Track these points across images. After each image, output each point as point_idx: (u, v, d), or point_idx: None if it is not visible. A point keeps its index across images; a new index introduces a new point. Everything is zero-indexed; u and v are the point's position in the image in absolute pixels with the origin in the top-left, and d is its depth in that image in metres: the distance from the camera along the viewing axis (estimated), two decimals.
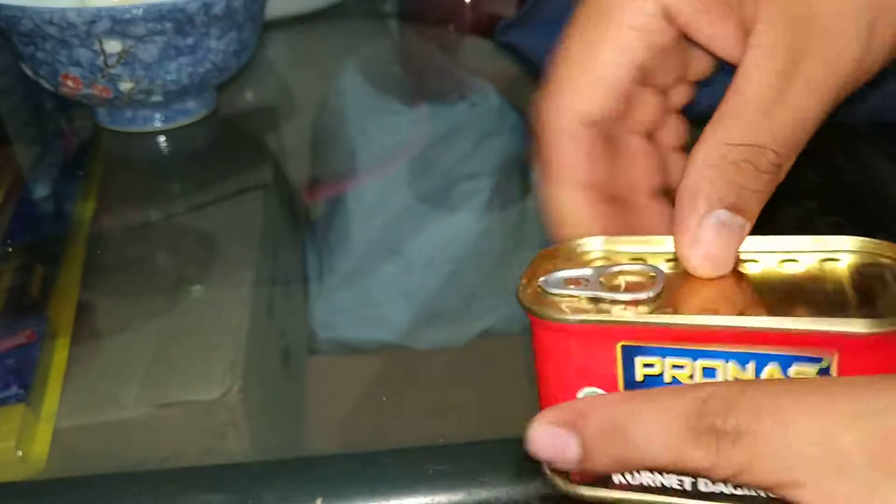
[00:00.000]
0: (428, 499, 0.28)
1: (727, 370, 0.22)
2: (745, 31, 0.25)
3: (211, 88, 0.56)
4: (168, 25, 0.47)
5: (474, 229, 0.46)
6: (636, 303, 0.23)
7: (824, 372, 0.21)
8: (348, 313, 0.38)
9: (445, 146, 0.55)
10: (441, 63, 0.72)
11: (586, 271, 0.25)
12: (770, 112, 0.24)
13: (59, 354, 0.35)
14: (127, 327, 0.36)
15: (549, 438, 0.23)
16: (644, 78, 0.27)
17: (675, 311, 0.23)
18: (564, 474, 0.25)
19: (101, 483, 0.28)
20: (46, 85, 0.52)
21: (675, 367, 0.23)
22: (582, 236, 0.27)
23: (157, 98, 0.52)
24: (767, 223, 0.49)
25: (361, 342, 0.36)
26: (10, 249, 0.43)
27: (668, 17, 0.25)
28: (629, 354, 0.23)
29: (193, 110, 0.56)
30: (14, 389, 0.32)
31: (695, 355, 0.22)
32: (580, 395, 0.24)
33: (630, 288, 0.24)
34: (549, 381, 0.25)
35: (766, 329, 0.21)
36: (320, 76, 0.67)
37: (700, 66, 0.29)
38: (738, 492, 0.23)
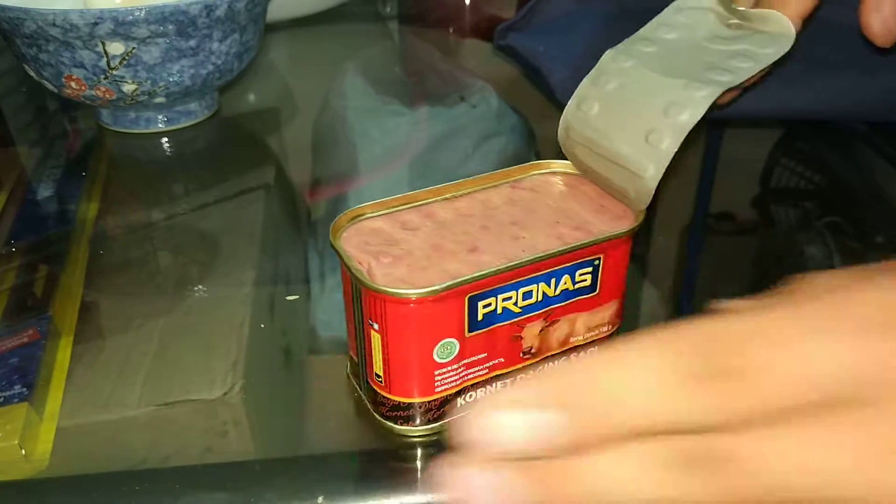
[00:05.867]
0: (428, 498, 0.28)
1: (539, 290, 0.29)
2: None
3: (213, 90, 0.56)
4: (170, 27, 0.48)
5: None
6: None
7: (596, 269, 0.30)
8: None
9: (445, 147, 0.55)
10: (441, 65, 0.72)
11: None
12: None
13: (62, 354, 0.35)
14: (129, 327, 0.37)
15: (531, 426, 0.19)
16: None
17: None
18: (413, 421, 0.29)
19: (103, 481, 0.29)
20: (50, 86, 0.52)
21: (505, 299, 0.28)
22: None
23: (159, 99, 0.52)
24: (766, 222, 0.49)
25: None
26: (14, 249, 0.43)
27: None
28: (473, 302, 0.28)
29: (196, 112, 0.56)
30: (17, 388, 0.32)
31: (517, 287, 0.28)
32: (437, 347, 0.28)
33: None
34: (408, 347, 0.28)
35: (559, 253, 0.28)
36: (321, 78, 0.68)
37: None
38: None
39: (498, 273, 0.27)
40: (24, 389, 0.32)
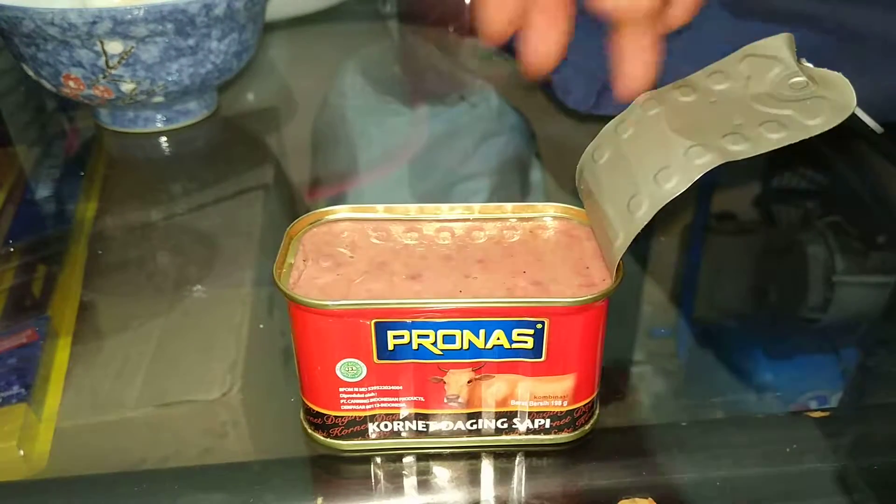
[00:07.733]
0: (427, 498, 0.28)
1: (463, 337, 0.27)
2: None
3: (212, 89, 0.56)
4: (169, 26, 0.48)
5: None
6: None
7: (539, 333, 0.27)
8: None
9: (445, 147, 0.55)
10: (441, 64, 0.72)
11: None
12: None
13: (61, 354, 0.35)
14: (128, 327, 0.37)
15: None
16: None
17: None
18: (324, 431, 0.29)
19: (102, 482, 0.29)
20: (48, 86, 0.52)
21: (420, 336, 0.27)
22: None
23: (158, 99, 0.52)
24: (767, 222, 0.49)
25: None
26: (13, 249, 0.43)
27: None
28: (382, 329, 0.27)
29: (195, 111, 0.56)
30: (16, 389, 0.32)
31: (436, 327, 0.27)
32: (339, 365, 0.27)
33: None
34: (309, 356, 0.28)
35: (491, 305, 0.26)
36: (321, 77, 0.68)
37: None
38: (469, 427, 0.29)
39: (403, 307, 0.26)
40: (23, 390, 0.32)
